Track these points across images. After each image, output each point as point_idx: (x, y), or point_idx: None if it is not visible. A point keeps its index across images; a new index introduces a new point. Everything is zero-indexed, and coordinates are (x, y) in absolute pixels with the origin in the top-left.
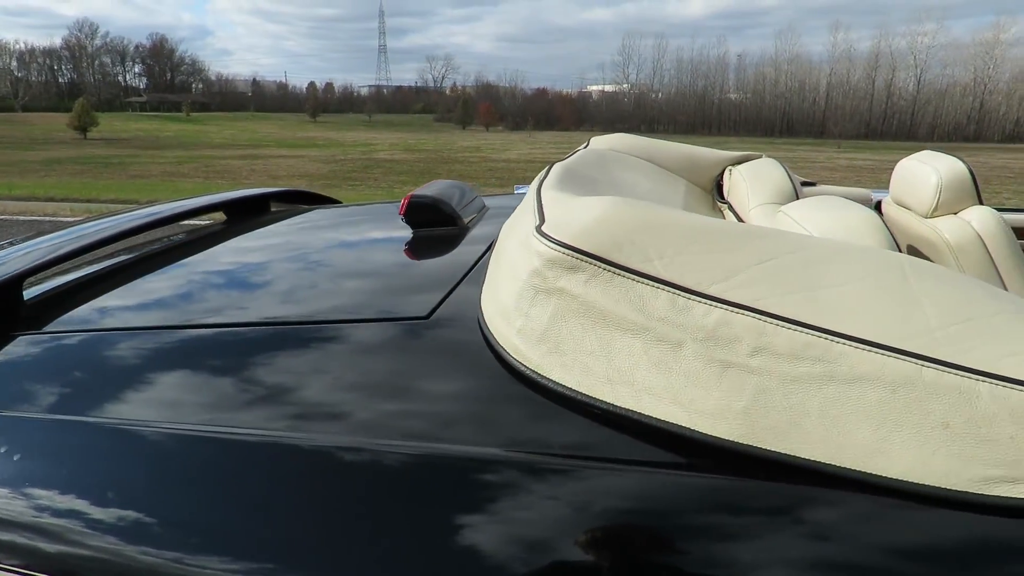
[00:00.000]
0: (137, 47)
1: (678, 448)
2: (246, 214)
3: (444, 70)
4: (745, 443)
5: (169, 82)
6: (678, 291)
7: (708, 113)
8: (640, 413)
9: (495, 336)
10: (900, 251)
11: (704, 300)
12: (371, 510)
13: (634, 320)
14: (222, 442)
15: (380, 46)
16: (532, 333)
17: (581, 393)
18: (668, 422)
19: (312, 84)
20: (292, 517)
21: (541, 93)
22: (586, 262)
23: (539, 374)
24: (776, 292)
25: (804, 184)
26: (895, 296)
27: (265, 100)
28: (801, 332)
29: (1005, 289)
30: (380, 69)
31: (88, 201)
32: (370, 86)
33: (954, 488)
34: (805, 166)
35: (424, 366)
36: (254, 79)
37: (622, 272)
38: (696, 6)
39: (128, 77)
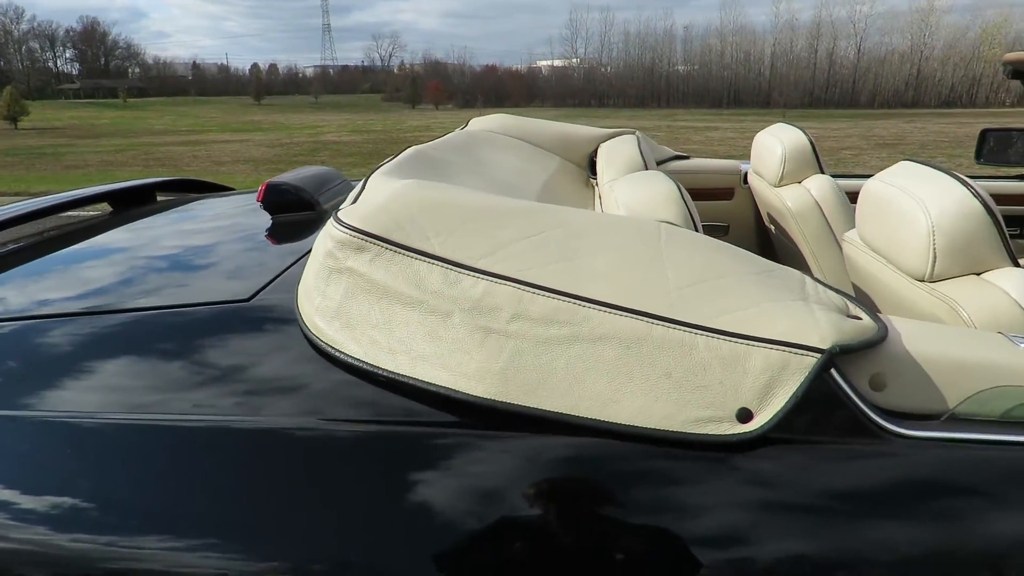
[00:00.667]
0: (67, 31)
1: (446, 408)
2: (130, 204)
3: (391, 48)
4: (501, 400)
5: (103, 67)
6: (450, 266)
7: (657, 86)
8: (416, 378)
9: (301, 315)
10: (708, 223)
11: (472, 273)
12: (197, 479)
13: (411, 294)
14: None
15: (324, 25)
16: (328, 310)
17: (368, 363)
18: (438, 385)
19: (255, 66)
20: (131, 490)
21: (491, 70)
22: (370, 243)
23: (335, 348)
24: (538, 263)
25: (676, 158)
26: (643, 263)
27: (206, 84)
28: (554, 298)
29: (840, 250)
30: (325, 49)
31: (17, 195)
32: (316, 66)
33: (672, 429)
34: (750, 137)
35: (241, 346)
36: (194, 62)
37: (402, 251)
38: None
39: (59, 63)
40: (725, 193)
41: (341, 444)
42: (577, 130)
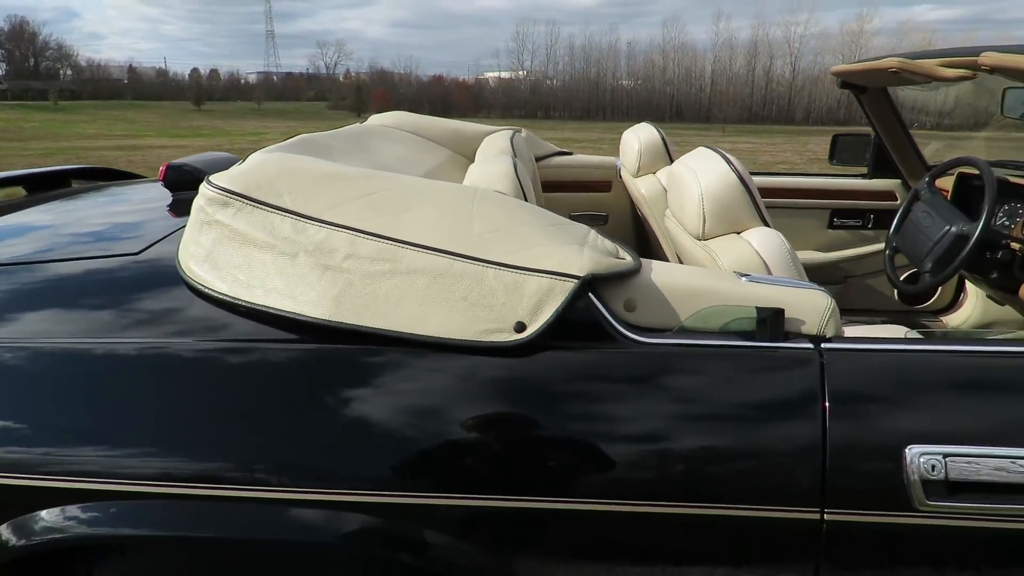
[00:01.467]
0: None
1: (293, 329)
2: (45, 188)
3: (336, 56)
4: (335, 320)
5: (33, 68)
6: (298, 217)
7: (602, 99)
8: (268, 307)
9: (179, 261)
10: (536, 196)
11: (315, 223)
12: (90, 394)
13: (266, 240)
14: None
15: (268, 31)
16: (199, 256)
17: (231, 297)
18: (285, 311)
19: (196, 71)
20: (41, 407)
21: (437, 80)
22: (234, 199)
23: (204, 286)
24: (370, 215)
25: (559, 154)
26: (455, 216)
27: (143, 88)
28: (379, 242)
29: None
30: (269, 55)
31: None
32: (259, 73)
33: (466, 339)
34: (687, 149)
35: (128, 289)
36: (130, 65)
37: (260, 206)
38: None
39: None
40: (604, 186)
41: (211, 360)
42: (468, 127)
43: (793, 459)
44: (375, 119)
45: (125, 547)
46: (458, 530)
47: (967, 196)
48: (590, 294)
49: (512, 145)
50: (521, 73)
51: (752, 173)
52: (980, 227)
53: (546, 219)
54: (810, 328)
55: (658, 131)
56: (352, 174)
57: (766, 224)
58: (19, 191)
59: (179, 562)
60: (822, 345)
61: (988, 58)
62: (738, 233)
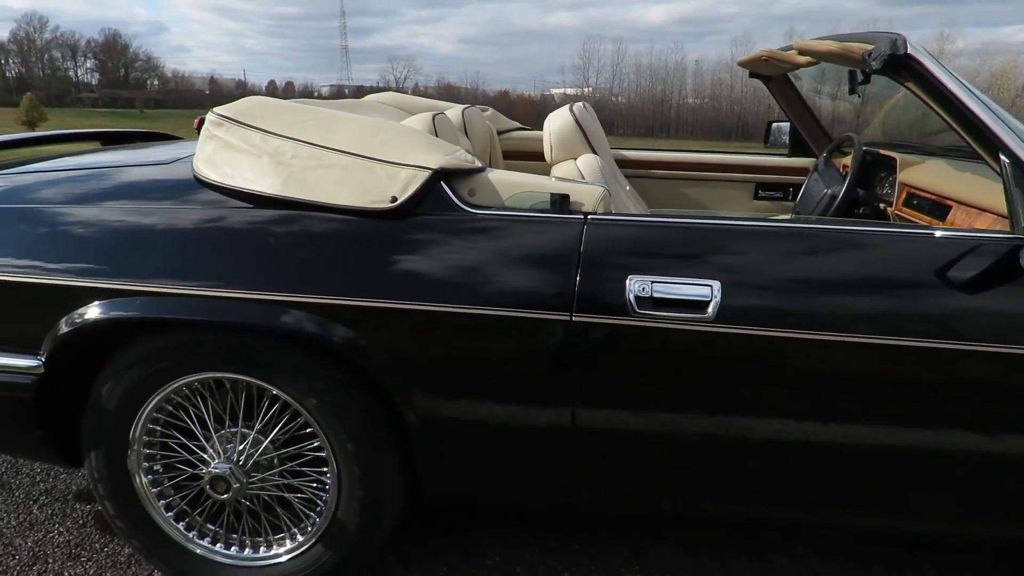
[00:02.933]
0: (89, 42)
1: (256, 201)
2: (117, 143)
3: (406, 71)
4: (281, 195)
5: (123, 78)
6: (264, 132)
7: (667, 116)
8: (242, 188)
9: (192, 164)
10: (487, 155)
11: (274, 135)
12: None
13: (243, 147)
14: None
15: (342, 46)
16: (203, 159)
17: (221, 184)
18: (252, 190)
19: (272, 83)
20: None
21: (503, 95)
22: (225, 121)
23: (204, 177)
24: (309, 131)
25: (519, 128)
26: (364, 133)
27: (223, 98)
28: (312, 147)
29: None
30: (342, 69)
31: None
32: (332, 86)
33: (360, 205)
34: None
35: (160, 183)
36: (212, 77)
37: (240, 125)
38: (658, 12)
39: (80, 72)
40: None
41: (205, 218)
42: (444, 105)
43: (558, 280)
44: (370, 97)
45: (145, 324)
46: (332, 316)
47: (865, 169)
48: (441, 182)
49: (463, 116)
50: (587, 89)
51: (699, 151)
52: (844, 188)
53: (427, 139)
54: (585, 208)
55: (573, 117)
56: (300, 107)
57: (593, 152)
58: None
59: (182, 335)
60: (589, 217)
61: (797, 44)
62: (574, 159)
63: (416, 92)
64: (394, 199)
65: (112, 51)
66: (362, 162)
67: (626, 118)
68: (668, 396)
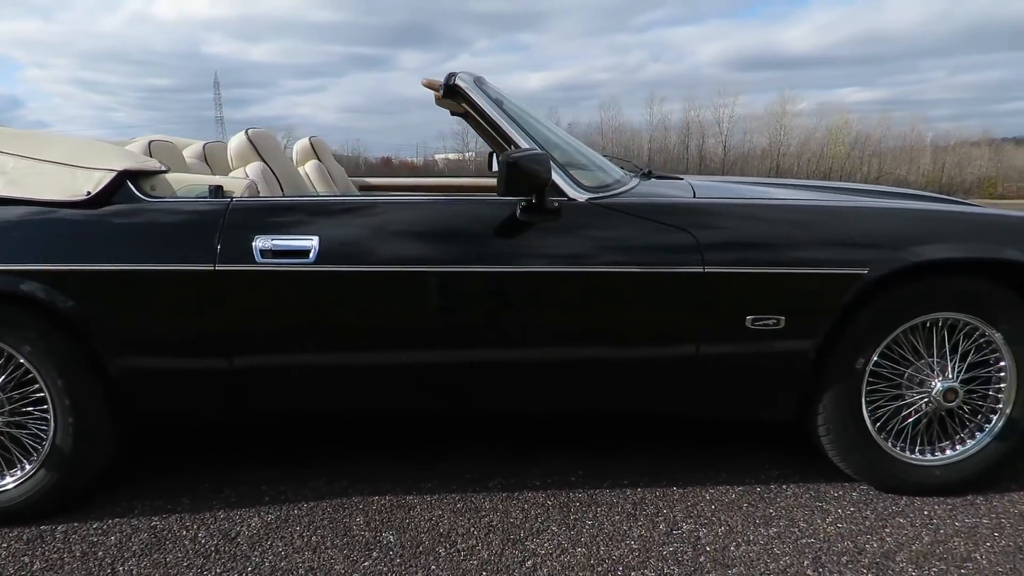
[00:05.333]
0: None
1: None
2: None
3: (285, 140)
4: (5, 195)
5: None
6: (5, 154)
7: None
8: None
9: None
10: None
11: (7, 155)
12: None
13: None
14: None
15: (217, 117)
16: None
17: None
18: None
19: None
20: None
21: (386, 161)
22: None
23: None
24: (24, 148)
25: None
26: (76, 147)
27: None
28: (24, 160)
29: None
30: (217, 141)
31: None
32: None
33: (63, 199)
34: None
35: None
36: None
37: None
38: (536, 79)
39: None
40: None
41: None
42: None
43: (207, 243)
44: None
45: None
46: (45, 280)
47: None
48: (127, 180)
49: (249, 137)
50: (468, 154)
51: (447, 177)
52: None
53: (121, 151)
54: (235, 194)
55: (246, 134)
56: (23, 132)
57: (263, 162)
58: None
59: None
60: (233, 200)
61: (422, 81)
62: (245, 167)
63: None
64: (88, 193)
65: None
66: (66, 168)
67: None
68: (291, 319)
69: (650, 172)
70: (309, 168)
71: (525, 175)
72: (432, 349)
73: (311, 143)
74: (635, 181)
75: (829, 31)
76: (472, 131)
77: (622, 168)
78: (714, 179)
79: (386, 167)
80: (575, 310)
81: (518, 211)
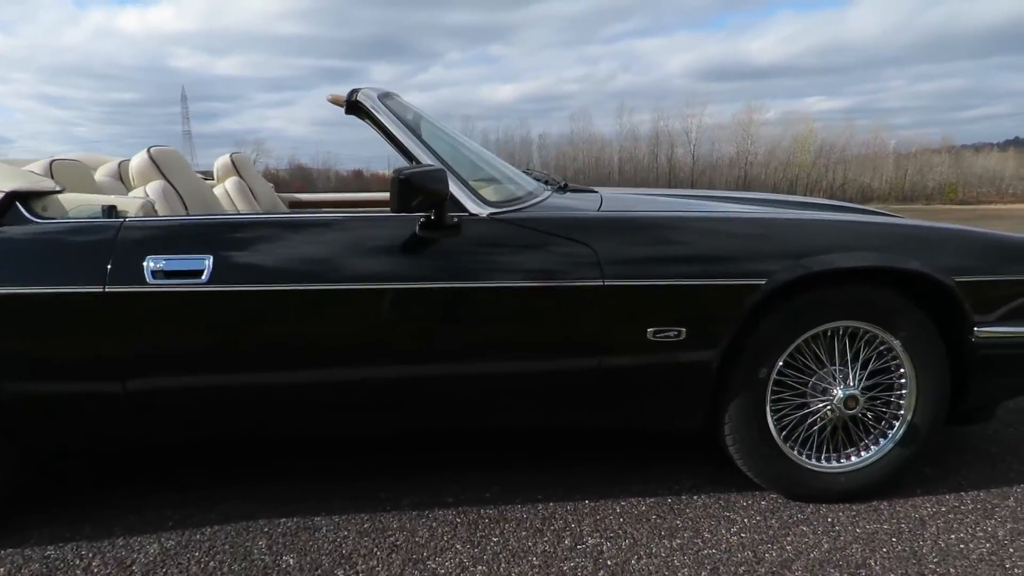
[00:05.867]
0: None
1: None
2: None
3: (256, 154)
4: None
5: None
6: None
7: None
8: None
9: None
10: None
11: None
12: None
13: None
14: None
15: (184, 131)
16: None
17: None
18: None
19: None
20: None
21: (357, 174)
22: None
23: None
24: None
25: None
26: None
27: None
28: None
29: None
30: (185, 155)
31: None
32: None
33: None
34: None
35: None
36: None
37: None
38: (507, 91)
39: None
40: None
41: None
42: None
43: (99, 262)
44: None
45: None
46: None
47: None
48: (16, 201)
49: (150, 155)
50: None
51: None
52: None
53: (13, 171)
54: (130, 214)
55: (148, 152)
56: None
57: (166, 181)
58: None
59: None
60: (126, 220)
61: (328, 96)
62: (145, 185)
63: (267, 175)
64: None
65: None
66: None
67: None
68: (185, 340)
69: (566, 185)
70: (229, 185)
71: (418, 191)
72: (331, 368)
73: (232, 160)
74: (546, 195)
75: (793, 42)
76: None
77: (540, 181)
78: (634, 191)
79: (357, 179)
80: (476, 325)
81: (417, 227)
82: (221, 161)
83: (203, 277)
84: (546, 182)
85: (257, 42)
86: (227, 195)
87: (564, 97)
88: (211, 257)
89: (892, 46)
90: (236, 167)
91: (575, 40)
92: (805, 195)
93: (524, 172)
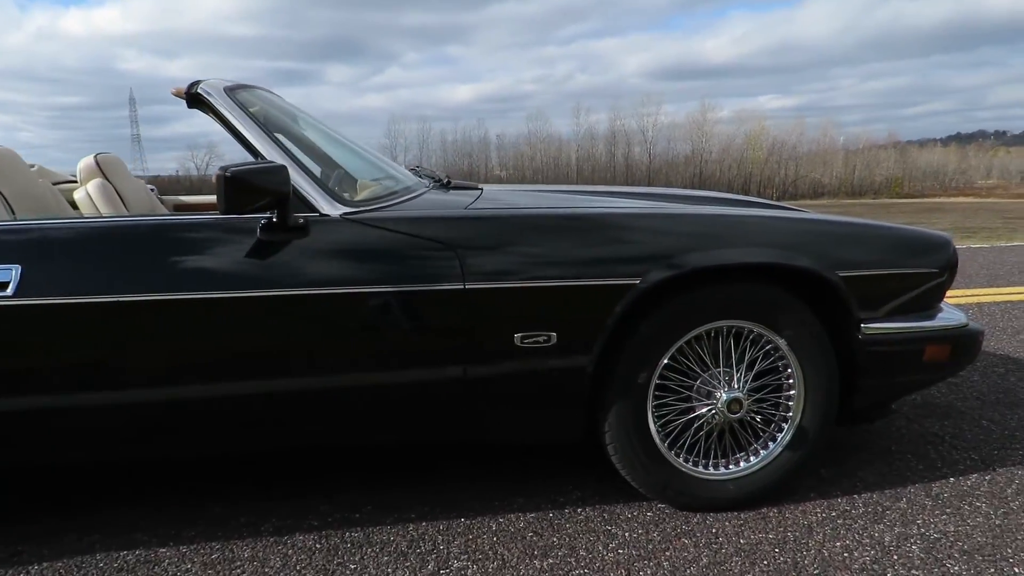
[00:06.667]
0: None
1: None
2: None
3: (208, 157)
4: None
5: None
6: None
7: None
8: None
9: None
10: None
11: None
12: None
13: None
14: None
15: (133, 135)
16: None
17: None
18: None
19: None
20: None
21: None
22: None
23: None
24: None
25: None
26: None
27: None
28: None
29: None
30: (135, 159)
31: None
32: None
33: None
34: None
35: None
36: None
37: None
38: (465, 92)
39: None
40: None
41: None
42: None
43: None
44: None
45: None
46: None
47: None
48: None
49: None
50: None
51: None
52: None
53: None
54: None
55: (95, 160)
56: None
57: (106, 180)
58: None
59: None
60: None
61: (172, 90)
62: (86, 184)
63: (219, 179)
64: None
65: None
66: None
67: None
68: None
69: (449, 182)
70: (91, 188)
71: (252, 190)
72: (160, 386)
73: (96, 160)
74: (420, 192)
75: (745, 42)
76: (400, 142)
77: (424, 179)
78: (520, 188)
79: None
80: (328, 334)
81: (258, 229)
82: (84, 162)
83: (8, 290)
84: (435, 180)
85: (208, 44)
86: (88, 199)
87: (522, 97)
88: (18, 267)
89: (840, 46)
90: (101, 168)
91: (532, 41)
92: (759, 193)
93: (412, 169)
